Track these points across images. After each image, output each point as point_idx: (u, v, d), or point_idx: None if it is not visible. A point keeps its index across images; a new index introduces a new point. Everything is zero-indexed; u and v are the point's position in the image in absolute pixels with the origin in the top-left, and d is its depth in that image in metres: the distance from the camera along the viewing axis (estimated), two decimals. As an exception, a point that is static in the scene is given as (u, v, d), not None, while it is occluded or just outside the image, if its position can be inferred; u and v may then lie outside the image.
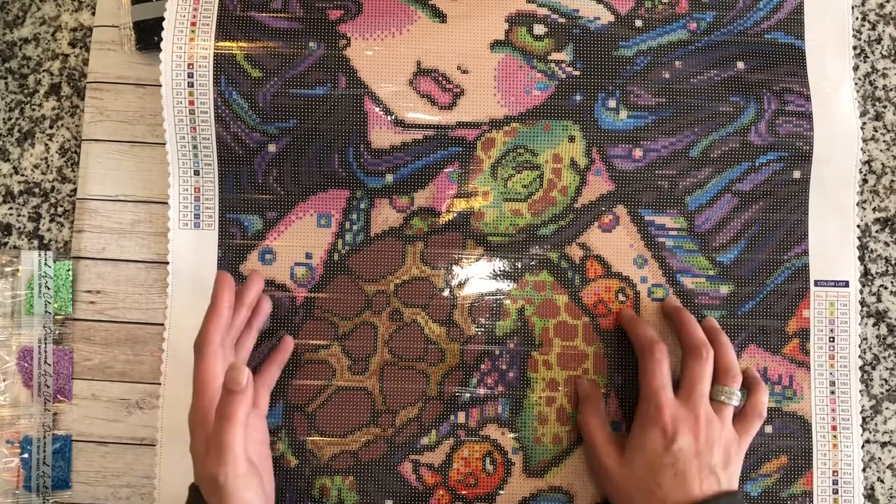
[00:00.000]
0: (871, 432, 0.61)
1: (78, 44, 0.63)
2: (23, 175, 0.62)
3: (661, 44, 0.61)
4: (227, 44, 0.58)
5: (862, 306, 0.62)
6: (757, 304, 0.61)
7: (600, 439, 0.56)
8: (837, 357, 0.61)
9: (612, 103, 0.61)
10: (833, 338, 0.61)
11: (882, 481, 0.61)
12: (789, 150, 0.61)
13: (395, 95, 0.59)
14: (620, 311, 0.60)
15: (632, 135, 0.61)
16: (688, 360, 0.56)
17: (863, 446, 0.61)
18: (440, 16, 0.60)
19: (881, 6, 0.65)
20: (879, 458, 0.61)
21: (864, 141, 0.63)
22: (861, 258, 0.62)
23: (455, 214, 0.60)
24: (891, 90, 0.64)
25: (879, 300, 0.62)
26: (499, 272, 0.60)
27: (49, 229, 0.62)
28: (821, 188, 0.61)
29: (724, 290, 0.61)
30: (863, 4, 0.65)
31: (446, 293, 0.60)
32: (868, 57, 0.64)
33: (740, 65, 0.61)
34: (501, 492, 0.59)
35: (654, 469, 0.53)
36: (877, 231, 0.63)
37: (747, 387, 0.57)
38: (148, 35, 0.61)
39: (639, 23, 0.62)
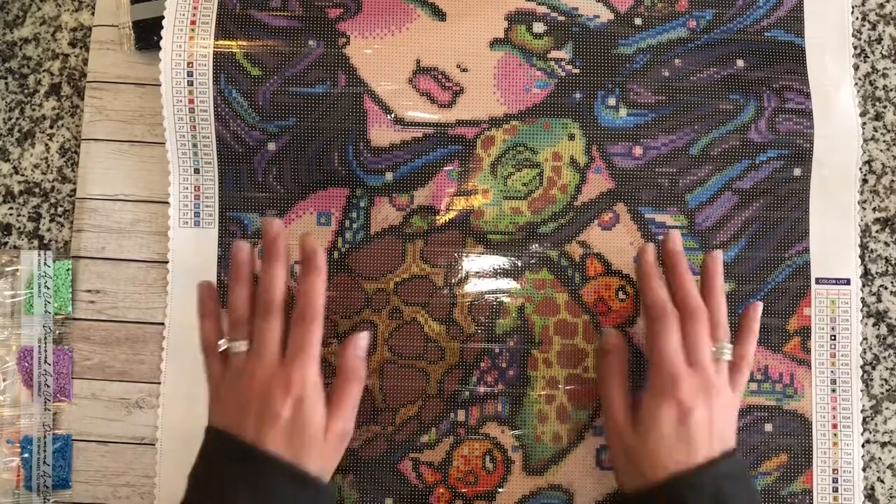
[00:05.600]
0: (871, 432, 0.61)
1: (78, 44, 0.64)
2: (23, 175, 0.62)
3: (661, 42, 0.61)
4: (227, 42, 0.58)
5: (862, 306, 0.62)
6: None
7: (617, 405, 0.54)
8: (839, 355, 0.60)
9: (611, 101, 0.61)
10: (834, 336, 0.61)
11: (882, 481, 0.61)
12: (789, 148, 0.61)
13: (394, 93, 0.59)
14: (643, 251, 0.57)
15: (632, 133, 0.61)
16: (687, 321, 0.53)
17: (863, 446, 0.60)
18: (440, 14, 0.60)
19: (881, 6, 0.65)
20: (880, 458, 0.61)
21: (865, 141, 0.63)
22: (861, 258, 0.62)
23: (455, 213, 0.60)
24: (891, 90, 0.64)
25: (879, 300, 0.62)
26: (499, 270, 0.60)
27: (49, 229, 0.62)
28: (821, 185, 0.61)
29: (725, 287, 0.61)
30: (863, 4, 0.65)
31: (446, 291, 0.60)
32: (868, 57, 0.64)
33: (740, 62, 0.61)
34: (501, 490, 0.59)
35: (669, 444, 0.51)
36: (877, 231, 0.63)
37: (736, 336, 0.56)
38: (147, 34, 0.61)
39: (638, 21, 0.62)
